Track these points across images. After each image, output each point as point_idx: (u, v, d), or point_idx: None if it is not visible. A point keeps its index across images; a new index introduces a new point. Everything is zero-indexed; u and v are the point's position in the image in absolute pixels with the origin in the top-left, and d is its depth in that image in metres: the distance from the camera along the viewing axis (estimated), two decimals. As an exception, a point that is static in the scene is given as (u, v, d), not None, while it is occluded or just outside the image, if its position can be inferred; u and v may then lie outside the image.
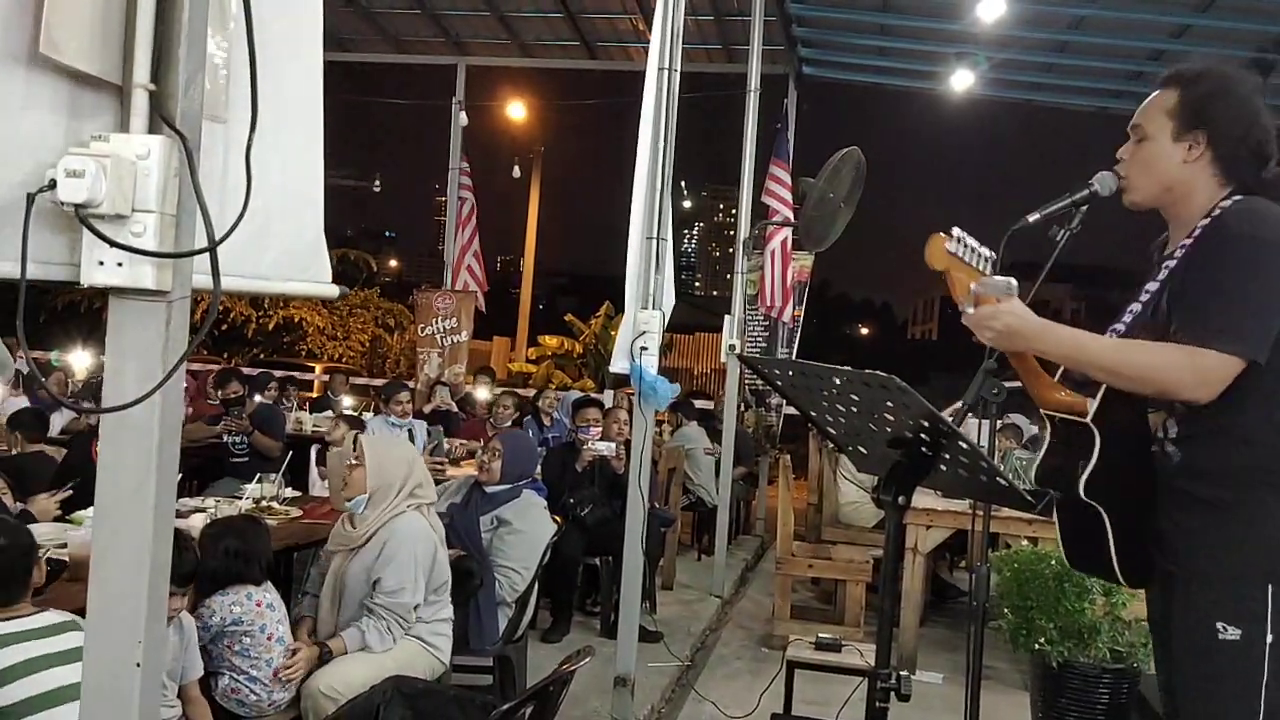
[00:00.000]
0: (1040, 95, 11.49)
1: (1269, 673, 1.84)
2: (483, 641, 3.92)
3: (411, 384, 9.55)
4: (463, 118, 12.40)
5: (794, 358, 11.08)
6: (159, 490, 1.28)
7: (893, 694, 1.91)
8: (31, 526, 2.96)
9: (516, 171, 17.84)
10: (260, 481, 4.75)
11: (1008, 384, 2.02)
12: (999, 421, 5.88)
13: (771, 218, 9.45)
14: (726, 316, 7.29)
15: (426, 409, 8.79)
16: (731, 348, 7.16)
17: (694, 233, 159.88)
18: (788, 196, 9.51)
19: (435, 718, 2.86)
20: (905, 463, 1.91)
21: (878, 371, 1.76)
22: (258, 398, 7.57)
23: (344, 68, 12.99)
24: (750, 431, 10.23)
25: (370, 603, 3.30)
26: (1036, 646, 4.15)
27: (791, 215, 9.07)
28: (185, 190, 1.27)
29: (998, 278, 1.95)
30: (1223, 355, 1.83)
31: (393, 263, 52.94)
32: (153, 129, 1.26)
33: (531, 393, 9.84)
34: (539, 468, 5.43)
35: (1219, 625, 1.87)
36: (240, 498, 4.61)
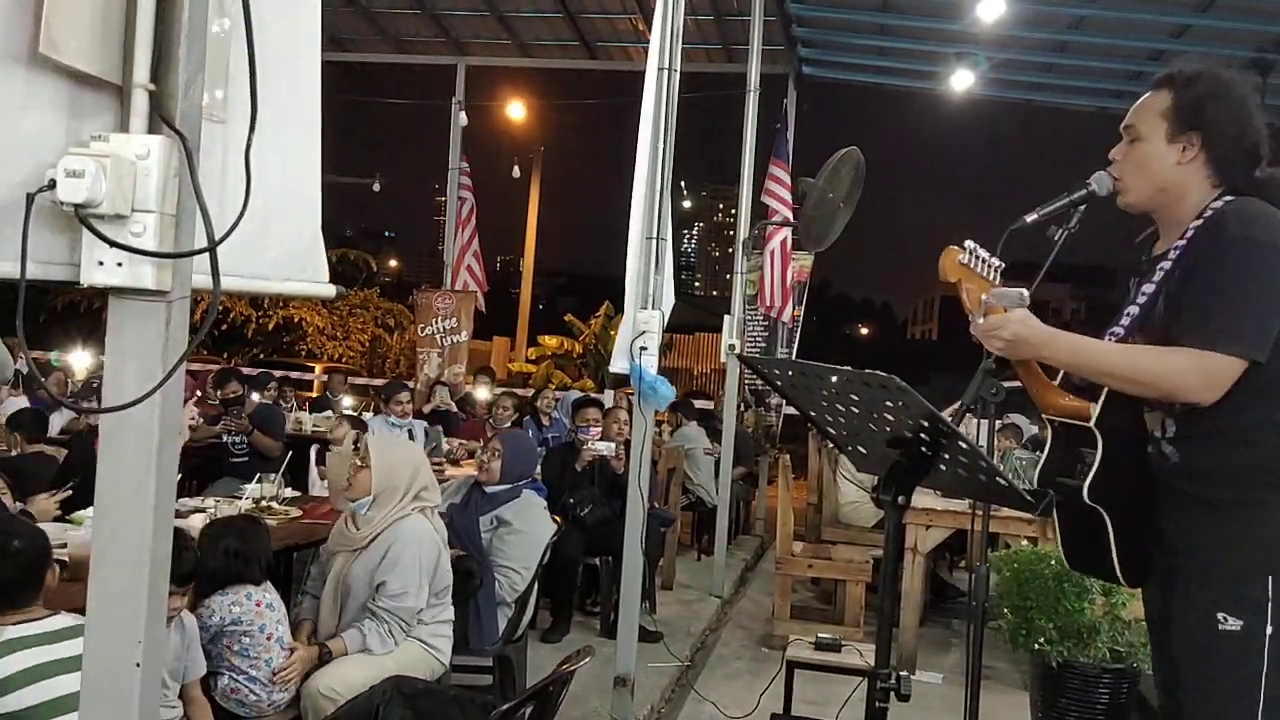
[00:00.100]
0: (1040, 95, 11.50)
1: (1269, 663, 1.85)
2: (482, 641, 3.92)
3: (411, 384, 9.56)
4: (463, 118, 12.40)
5: (794, 358, 11.09)
6: (159, 490, 1.28)
7: (892, 694, 1.91)
8: (31, 527, 2.96)
9: (516, 171, 17.83)
10: (260, 481, 4.75)
11: (1006, 384, 2.03)
12: (999, 421, 5.89)
13: (771, 218, 9.46)
14: (726, 316, 7.29)
15: (426, 409, 8.79)
16: (731, 348, 7.16)
17: (694, 233, 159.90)
18: (787, 196, 9.51)
19: (435, 718, 2.86)
20: (905, 463, 1.91)
21: (877, 371, 1.77)
22: (254, 396, 7.56)
23: (344, 68, 13.00)
24: (750, 431, 10.24)
25: (373, 605, 3.29)
26: (1036, 646, 4.15)
27: (791, 215, 9.08)
28: (185, 190, 1.27)
29: (1009, 289, 1.96)
30: (1226, 356, 1.85)
31: (393, 263, 52.96)
32: (152, 129, 1.26)
33: (531, 393, 9.84)
34: (539, 468, 5.43)
35: (1220, 616, 1.88)
36: (240, 498, 4.61)
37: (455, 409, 9.05)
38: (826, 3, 10.15)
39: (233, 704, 3.04)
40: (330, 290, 1.65)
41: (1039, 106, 12.04)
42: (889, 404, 1.82)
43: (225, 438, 6.38)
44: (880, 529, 4.59)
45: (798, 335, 12.06)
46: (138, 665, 1.27)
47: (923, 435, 1.84)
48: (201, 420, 5.98)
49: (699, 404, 10.55)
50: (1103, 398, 1.98)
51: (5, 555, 2.38)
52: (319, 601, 3.46)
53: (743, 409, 9.92)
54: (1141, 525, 2.02)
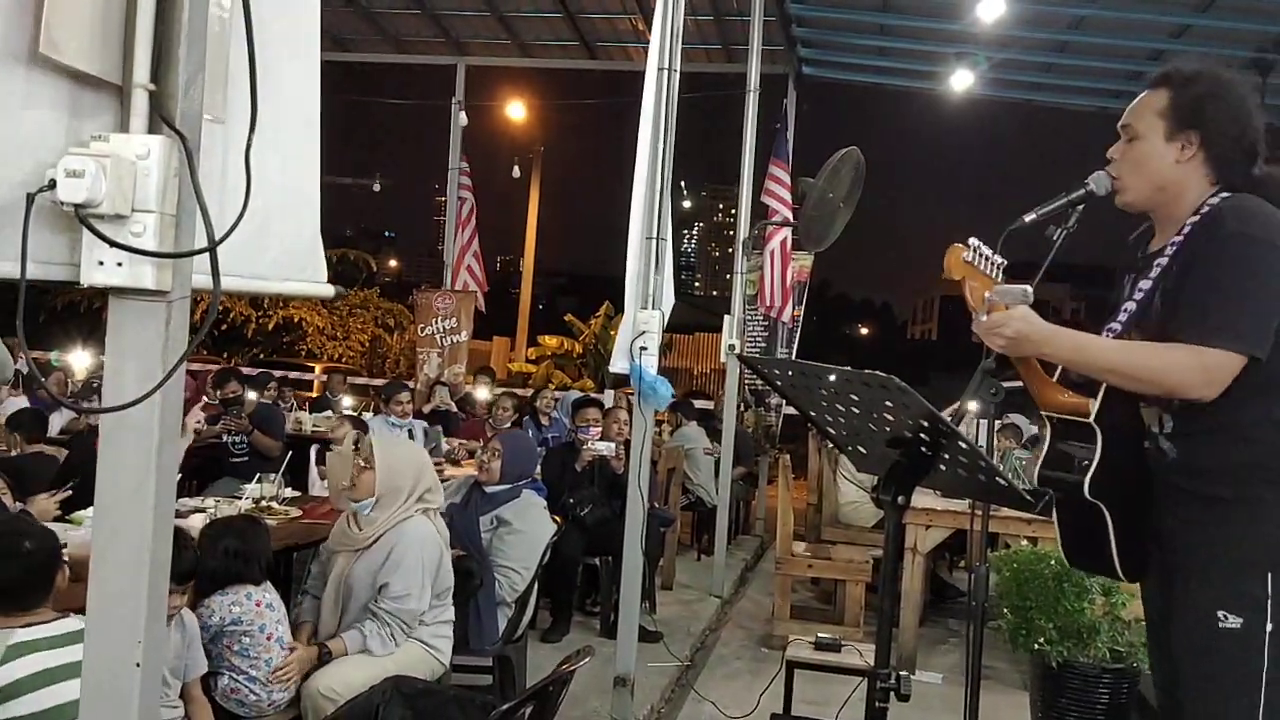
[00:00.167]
0: (1040, 95, 11.50)
1: (1269, 661, 1.85)
2: (482, 641, 3.92)
3: (411, 384, 9.56)
4: (462, 118, 12.40)
5: (793, 358, 11.09)
6: (159, 490, 1.28)
7: (892, 694, 1.91)
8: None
9: (516, 171, 17.83)
10: (260, 481, 4.76)
11: (1006, 384, 2.03)
12: (999, 421, 5.89)
13: (771, 218, 9.46)
14: (726, 316, 7.29)
15: (426, 409, 8.79)
16: (731, 348, 7.16)
17: (694, 233, 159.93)
18: (787, 196, 9.51)
19: (435, 718, 2.86)
20: (905, 462, 1.91)
21: (877, 371, 1.77)
22: (250, 395, 7.56)
23: (344, 68, 12.99)
24: (750, 431, 10.24)
25: (375, 607, 3.28)
26: (1036, 646, 4.15)
27: (791, 215, 9.08)
28: (185, 190, 1.27)
29: (1013, 285, 1.97)
30: (1225, 352, 1.85)
31: (392, 263, 52.93)
32: (152, 129, 1.26)
33: (530, 393, 9.84)
34: (539, 468, 5.43)
35: (1220, 614, 1.89)
36: (240, 498, 4.61)
37: (455, 409, 9.05)
38: (826, 3, 10.15)
39: (232, 704, 3.04)
40: (329, 290, 1.65)
41: (1039, 106, 12.04)
42: (889, 404, 1.82)
43: (225, 438, 6.38)
44: (880, 529, 4.60)
45: (798, 335, 12.06)
46: (138, 665, 1.27)
47: (923, 435, 1.85)
48: (205, 423, 5.98)
49: (699, 404, 10.54)
50: (1101, 394, 1.99)
51: (16, 556, 2.36)
52: (319, 602, 3.46)
53: (743, 409, 9.92)
54: (1141, 520, 2.03)
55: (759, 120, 7.65)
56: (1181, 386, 1.89)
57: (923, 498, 5.13)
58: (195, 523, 3.64)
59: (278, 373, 10.75)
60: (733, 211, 11.61)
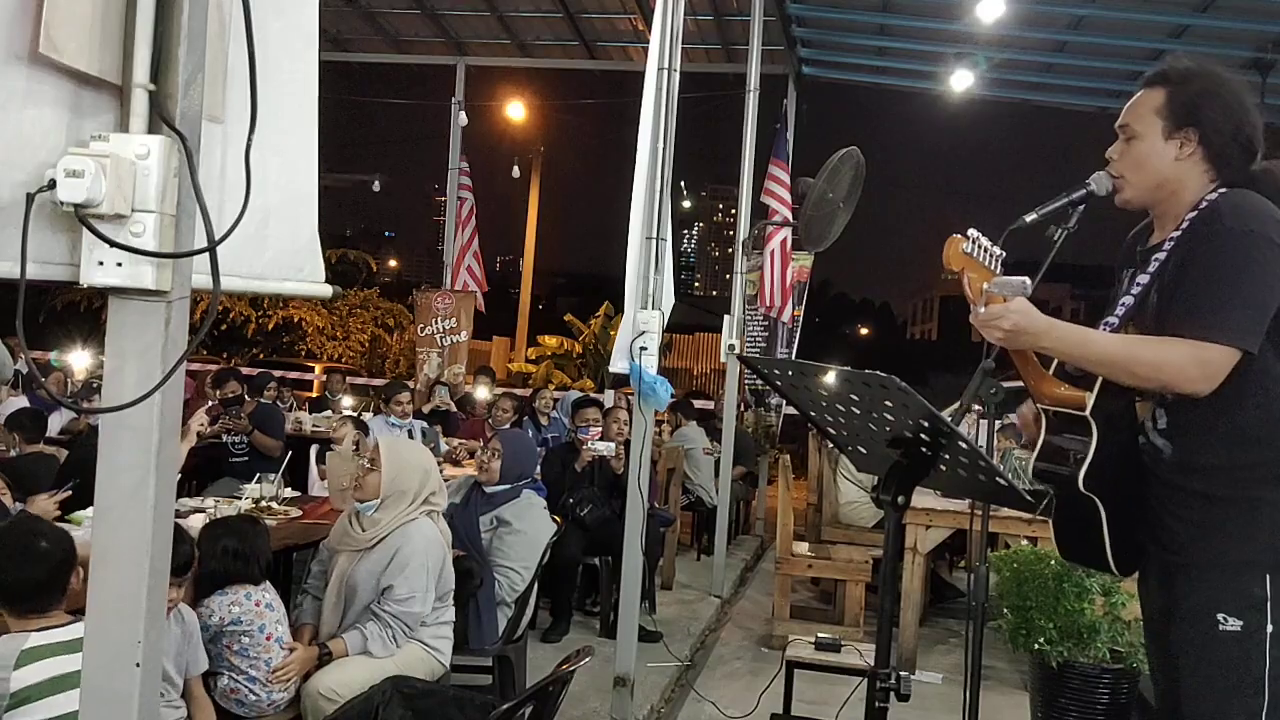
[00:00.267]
0: (1040, 95, 11.49)
1: (1270, 662, 1.85)
2: (482, 641, 3.92)
3: (411, 384, 9.55)
4: (462, 118, 12.40)
5: (793, 358, 11.09)
6: (158, 490, 1.28)
7: (892, 694, 1.91)
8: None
9: (516, 171, 17.82)
10: (260, 481, 4.76)
11: (1006, 384, 2.03)
12: (999, 421, 5.89)
13: (771, 218, 9.45)
14: (726, 316, 7.30)
15: (425, 409, 8.79)
16: (731, 348, 7.17)
17: (694, 233, 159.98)
18: (787, 196, 9.50)
19: (435, 718, 2.86)
20: (905, 462, 1.91)
21: (877, 371, 1.77)
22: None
23: (344, 68, 12.98)
24: (750, 431, 10.24)
25: (377, 608, 3.27)
26: (1036, 646, 4.15)
27: (791, 215, 9.08)
28: (185, 190, 1.27)
29: (1012, 277, 1.97)
30: (1220, 347, 1.86)
31: (392, 263, 52.84)
32: (152, 129, 1.26)
33: (529, 393, 9.84)
34: (539, 468, 5.43)
35: (1219, 617, 1.89)
36: (240, 498, 4.61)
37: (454, 409, 9.05)
38: (826, 3, 10.14)
39: (232, 704, 3.04)
40: (327, 290, 1.65)
41: (1039, 106, 12.03)
42: (889, 404, 1.82)
43: (225, 438, 6.38)
44: (880, 529, 4.60)
45: (797, 335, 12.05)
46: (137, 665, 1.27)
47: (923, 435, 1.85)
48: (207, 425, 5.99)
49: (699, 404, 10.55)
50: (1097, 387, 1.99)
51: (32, 557, 2.34)
52: (320, 603, 3.45)
53: (743, 409, 9.92)
54: (1135, 515, 2.03)
55: (759, 120, 7.65)
56: (1177, 380, 1.90)
57: (923, 498, 5.13)
58: (195, 523, 3.63)
59: (277, 373, 10.73)
60: (733, 211, 11.61)
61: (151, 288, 1.25)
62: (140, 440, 1.28)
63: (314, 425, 7.89)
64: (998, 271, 2.00)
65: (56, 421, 6.72)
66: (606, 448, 5.66)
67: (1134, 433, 2.07)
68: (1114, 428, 2.01)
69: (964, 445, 1.80)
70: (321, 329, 18.94)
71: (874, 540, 6.27)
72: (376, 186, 19.18)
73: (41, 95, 1.22)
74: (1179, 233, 2.00)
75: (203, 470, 6.30)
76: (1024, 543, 5.09)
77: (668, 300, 4.42)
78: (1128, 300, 2.05)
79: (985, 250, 1.99)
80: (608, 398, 9.42)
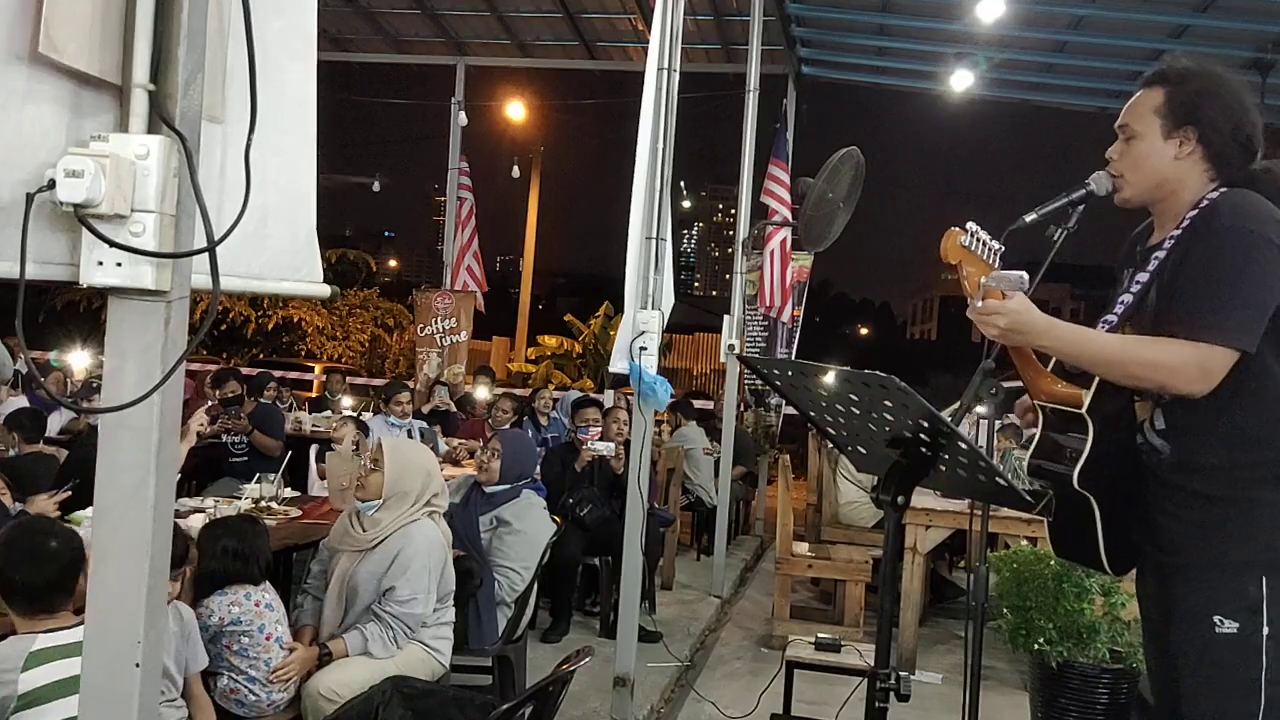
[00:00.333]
0: (1040, 95, 11.50)
1: (1268, 664, 1.85)
2: (482, 641, 3.92)
3: (411, 384, 9.55)
4: (462, 118, 12.40)
5: (793, 358, 11.09)
6: (158, 490, 1.28)
7: (892, 694, 1.91)
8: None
9: (516, 171, 17.81)
10: (259, 482, 4.75)
11: (1006, 384, 2.03)
12: (999, 421, 5.89)
13: (771, 218, 9.45)
14: (726, 316, 7.30)
15: (425, 409, 8.79)
16: (731, 348, 7.17)
17: (693, 233, 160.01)
18: (787, 196, 9.51)
19: (435, 718, 2.86)
20: (905, 462, 1.91)
21: (877, 371, 1.77)
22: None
23: (344, 68, 12.98)
24: (750, 431, 10.24)
25: (379, 609, 3.27)
26: (1036, 646, 4.15)
27: (790, 215, 9.08)
28: (184, 190, 1.27)
29: (1010, 271, 1.96)
30: (1218, 347, 1.86)
31: (392, 263, 52.87)
32: (152, 129, 1.26)
33: (529, 393, 9.84)
34: (538, 468, 5.43)
35: (1215, 619, 1.88)
36: (239, 498, 4.61)
37: (454, 409, 9.05)
38: (826, 3, 10.14)
39: (232, 704, 3.04)
40: (325, 290, 1.66)
41: (1039, 106, 12.04)
42: (889, 404, 1.82)
43: (225, 438, 6.38)
44: (880, 529, 4.60)
45: (797, 335, 12.06)
46: (137, 665, 1.27)
47: (923, 435, 1.84)
48: (207, 425, 5.99)
49: (698, 404, 10.54)
50: (1095, 384, 1.99)
51: (42, 557, 2.32)
52: (320, 603, 3.45)
53: (742, 409, 9.92)
54: (1130, 514, 2.03)
55: (759, 120, 7.65)
56: (1174, 381, 1.90)
57: (923, 498, 5.13)
58: (195, 523, 3.63)
59: (277, 373, 10.73)
60: (733, 211, 11.61)
61: (151, 288, 1.25)
62: (140, 440, 1.28)
63: (314, 425, 7.89)
64: (996, 265, 2.00)
65: (56, 421, 6.72)
66: (606, 448, 5.66)
67: (1132, 432, 2.07)
68: (1111, 426, 2.00)
69: (964, 445, 1.79)
70: (321, 329, 18.94)
71: (874, 540, 6.27)
72: (376, 187, 19.17)
73: (41, 95, 1.22)
74: (1179, 231, 2.00)
75: (203, 470, 6.30)
76: (1024, 543, 5.09)
77: (668, 300, 4.42)
78: (1127, 299, 2.05)
79: (983, 244, 1.98)
80: (608, 398, 9.42)
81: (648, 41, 4.75)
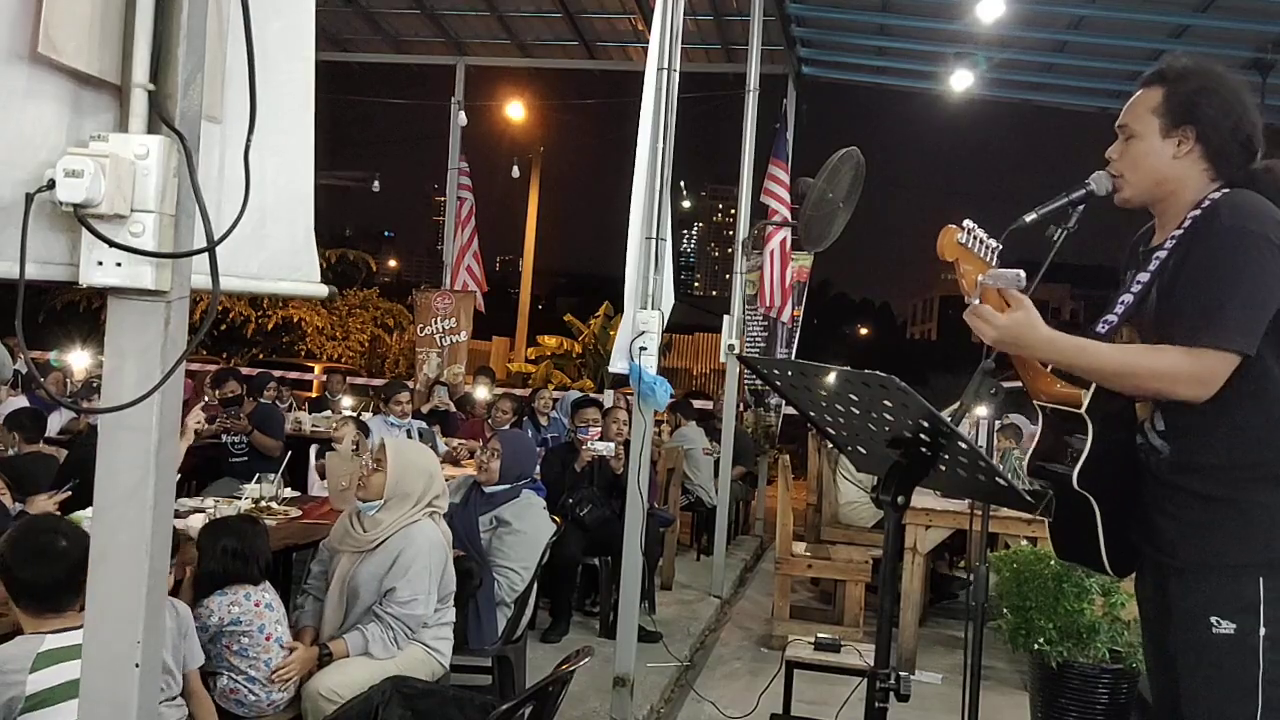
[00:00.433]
0: (1040, 95, 11.49)
1: (1265, 666, 1.84)
2: (482, 641, 3.92)
3: (411, 384, 9.55)
4: (462, 118, 12.40)
5: (793, 358, 11.09)
6: (157, 490, 1.28)
7: (892, 694, 1.91)
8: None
9: (516, 171, 17.80)
10: (259, 482, 4.76)
11: (1006, 384, 2.03)
12: (999, 421, 5.89)
13: (771, 218, 9.45)
14: (725, 316, 7.30)
15: (424, 409, 8.79)
16: (730, 348, 7.17)
17: (693, 233, 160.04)
18: (787, 196, 9.50)
19: (434, 718, 2.86)
20: (905, 462, 1.91)
21: (877, 371, 1.77)
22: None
23: (344, 68, 12.97)
24: (749, 431, 10.23)
25: (380, 609, 3.27)
26: (1036, 646, 4.15)
27: (790, 215, 9.08)
28: (184, 190, 1.27)
29: (1007, 270, 1.94)
30: (1217, 352, 1.85)
31: (392, 263, 52.85)
32: (151, 129, 1.26)
33: (529, 393, 9.83)
34: (538, 468, 5.43)
35: (1213, 620, 1.88)
36: (239, 498, 4.61)
37: (453, 409, 9.05)
38: (826, 3, 10.14)
39: (232, 704, 3.03)
40: (323, 290, 1.65)
41: (1039, 106, 12.03)
42: (889, 404, 1.82)
43: (225, 438, 6.38)
44: (880, 529, 4.60)
45: (797, 335, 12.05)
46: (137, 665, 1.27)
47: (923, 435, 1.84)
48: (204, 423, 5.98)
49: (698, 404, 10.54)
50: (1094, 384, 1.99)
51: (52, 556, 2.32)
52: (321, 604, 3.45)
53: (742, 409, 9.91)
54: (1130, 514, 2.03)
55: (759, 120, 7.65)
56: (1175, 388, 1.89)
57: (923, 498, 5.13)
58: (195, 523, 3.63)
59: (277, 373, 10.73)
60: (732, 211, 11.61)
61: (151, 288, 1.25)
62: (140, 440, 1.27)
63: (314, 425, 7.89)
64: (993, 263, 1.98)
65: (56, 421, 6.72)
66: (606, 448, 5.66)
67: (1132, 432, 2.06)
68: (1111, 426, 2.00)
69: (964, 445, 1.79)
70: (321, 329, 18.94)
71: (874, 540, 6.27)
72: (376, 186, 19.16)
73: (41, 95, 1.22)
74: (1180, 232, 1.99)
75: (202, 470, 6.30)
76: (1024, 543, 5.09)
77: (667, 300, 4.42)
78: (1127, 299, 2.05)
79: (980, 241, 1.97)
80: (607, 398, 9.42)
81: (648, 41, 4.74)
